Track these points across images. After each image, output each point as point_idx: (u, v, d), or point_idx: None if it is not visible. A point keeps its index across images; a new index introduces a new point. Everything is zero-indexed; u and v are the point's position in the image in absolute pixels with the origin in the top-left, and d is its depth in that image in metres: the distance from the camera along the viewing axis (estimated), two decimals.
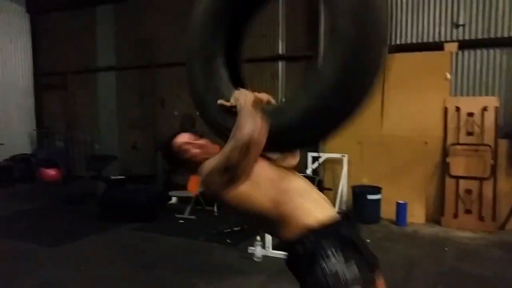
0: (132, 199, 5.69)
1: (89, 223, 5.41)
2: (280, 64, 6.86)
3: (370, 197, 5.50)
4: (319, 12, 6.20)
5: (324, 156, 5.97)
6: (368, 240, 4.71)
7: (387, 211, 5.54)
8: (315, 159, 5.89)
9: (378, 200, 5.55)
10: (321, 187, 5.83)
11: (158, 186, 7.13)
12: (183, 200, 6.11)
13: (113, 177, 6.84)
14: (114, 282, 3.56)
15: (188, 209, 5.77)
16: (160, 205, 5.97)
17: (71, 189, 7.23)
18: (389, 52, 5.08)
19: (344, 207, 5.95)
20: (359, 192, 5.63)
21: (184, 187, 6.18)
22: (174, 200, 6.43)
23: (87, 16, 8.70)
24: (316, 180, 5.47)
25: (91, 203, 6.30)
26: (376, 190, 5.59)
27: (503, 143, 5.31)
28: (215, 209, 5.85)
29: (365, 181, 5.87)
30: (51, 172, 8.11)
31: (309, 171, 5.66)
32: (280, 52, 6.83)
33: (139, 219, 5.44)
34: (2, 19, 8.80)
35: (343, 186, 5.87)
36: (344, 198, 5.94)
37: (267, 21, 6.86)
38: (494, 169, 5.23)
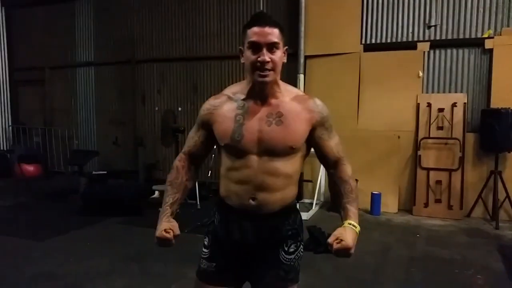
0: (115, 193, 5.75)
1: (73, 218, 5.45)
2: None
3: None
4: (299, 11, 6.38)
5: None
6: None
7: (362, 201, 5.76)
8: None
9: None
10: (301, 179, 6.06)
11: (140, 181, 7.20)
12: None
13: (94, 173, 6.87)
14: (105, 274, 3.65)
15: None
16: (143, 199, 6.06)
17: (52, 185, 7.21)
18: (365, 51, 5.40)
19: (322, 198, 6.20)
20: None
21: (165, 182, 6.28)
22: (156, 194, 6.53)
23: (66, 11, 8.62)
24: None
25: (73, 198, 6.32)
26: None
27: (470, 137, 5.65)
28: (198, 202, 6.00)
29: None
30: (30, 168, 8.03)
31: None
32: None
33: (123, 214, 5.49)
34: None
35: (321, 179, 6.11)
36: (322, 189, 6.19)
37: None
38: (462, 161, 5.57)
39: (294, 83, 6.46)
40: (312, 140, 1.59)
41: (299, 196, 5.62)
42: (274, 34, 1.46)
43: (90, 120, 8.73)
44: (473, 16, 5.73)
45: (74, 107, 8.85)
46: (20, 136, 9.18)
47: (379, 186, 5.76)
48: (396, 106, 5.99)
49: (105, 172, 6.82)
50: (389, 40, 6.17)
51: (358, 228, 1.51)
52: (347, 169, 1.64)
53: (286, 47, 1.54)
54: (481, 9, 5.68)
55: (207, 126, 1.63)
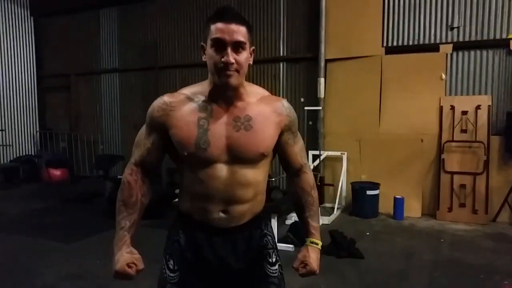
0: None
1: (99, 221, 5.57)
2: (281, 65, 7.09)
3: (369, 192, 5.72)
4: (320, 15, 6.41)
5: (324, 154, 6.20)
6: (368, 233, 4.97)
7: (385, 206, 5.78)
8: (316, 156, 6.11)
9: (376, 196, 5.78)
10: (322, 183, 6.07)
11: (163, 185, 7.31)
12: None
13: (119, 177, 7.01)
14: None
15: None
16: (166, 202, 6.15)
17: (79, 189, 7.40)
18: (387, 53, 5.37)
19: (343, 203, 6.18)
20: (358, 188, 5.86)
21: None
22: None
23: (91, 19, 8.90)
24: (318, 177, 5.69)
25: (99, 201, 6.50)
26: (375, 186, 5.82)
27: (495, 140, 5.55)
28: None
29: (364, 177, 6.12)
30: (57, 172, 8.28)
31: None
32: (281, 54, 7.05)
33: (147, 217, 5.53)
34: (6, 22, 8.96)
35: (343, 182, 6.10)
36: (344, 194, 6.18)
37: (269, 24, 7.08)
38: (487, 164, 5.48)
39: (315, 87, 6.49)
40: (278, 145, 1.48)
41: (321, 200, 5.62)
42: (240, 32, 1.31)
43: (115, 125, 8.94)
44: (498, 17, 5.64)
45: (99, 112, 9.09)
46: (47, 141, 9.47)
47: (402, 190, 5.71)
48: (419, 109, 5.93)
49: None
50: (411, 43, 6.12)
51: (320, 244, 1.56)
52: (310, 179, 1.58)
53: (253, 47, 1.40)
54: (505, 10, 5.58)
55: (162, 130, 1.41)
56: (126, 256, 1.43)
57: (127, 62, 8.63)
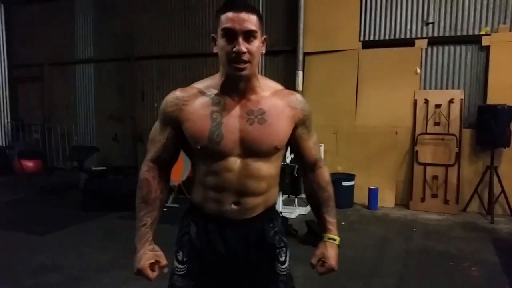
0: (115, 189, 5.78)
1: (73, 213, 5.49)
2: (260, 58, 7.06)
3: (344, 183, 5.81)
4: (298, 8, 6.42)
5: None
6: (343, 223, 5.05)
7: (360, 196, 5.90)
8: None
9: (351, 187, 5.88)
10: (299, 174, 6.11)
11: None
12: None
13: (94, 168, 6.91)
14: (107, 266, 3.71)
15: (171, 197, 5.93)
16: None
17: (52, 181, 7.23)
18: (364, 48, 5.44)
19: None
20: (334, 179, 5.76)
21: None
22: None
23: (66, 8, 8.65)
24: (295, 169, 5.73)
25: (73, 193, 6.37)
26: (350, 177, 5.92)
27: (467, 132, 5.72)
28: None
29: (340, 169, 6.20)
30: (30, 164, 8.05)
31: (288, 160, 5.93)
32: None
33: (122, 209, 5.46)
34: None
35: None
36: None
37: None
38: (458, 156, 5.64)
39: (293, 80, 6.52)
40: (292, 139, 1.46)
41: (297, 191, 5.67)
42: (251, 21, 1.27)
43: (90, 116, 8.77)
44: (471, 13, 5.78)
45: (74, 103, 8.88)
46: (19, 132, 9.21)
47: (376, 181, 5.83)
48: (394, 102, 6.04)
49: (105, 168, 6.86)
50: (387, 37, 6.21)
51: (338, 240, 1.54)
52: (325, 174, 1.57)
53: (265, 36, 1.37)
54: (478, 7, 5.73)
55: (175, 125, 1.39)
56: (148, 254, 1.41)
57: (103, 52, 8.44)
